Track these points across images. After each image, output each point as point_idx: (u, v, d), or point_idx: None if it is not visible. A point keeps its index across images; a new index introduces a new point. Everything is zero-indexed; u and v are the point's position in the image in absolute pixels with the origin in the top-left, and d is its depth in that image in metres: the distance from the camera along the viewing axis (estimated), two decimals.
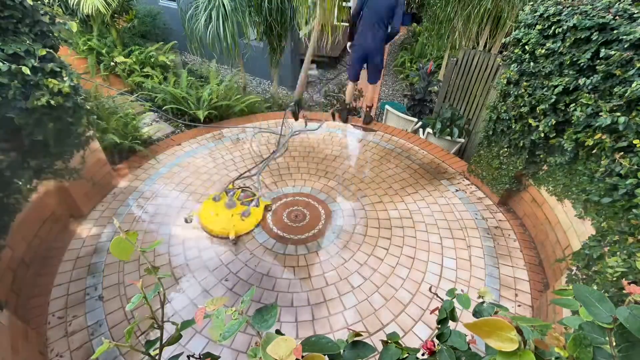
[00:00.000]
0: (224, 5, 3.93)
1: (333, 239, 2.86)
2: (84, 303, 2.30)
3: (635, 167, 1.78)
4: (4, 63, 1.85)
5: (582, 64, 2.17)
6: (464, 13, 4.76)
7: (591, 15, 2.10)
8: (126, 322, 2.19)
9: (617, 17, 2.00)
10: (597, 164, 2.08)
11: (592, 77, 2.10)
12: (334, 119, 4.28)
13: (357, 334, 0.73)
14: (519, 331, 0.49)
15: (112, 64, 5.02)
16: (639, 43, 1.86)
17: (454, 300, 0.84)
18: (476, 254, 2.76)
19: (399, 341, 0.76)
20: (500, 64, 3.67)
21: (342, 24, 4.86)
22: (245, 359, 2.05)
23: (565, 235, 2.45)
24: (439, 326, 0.78)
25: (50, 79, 2.10)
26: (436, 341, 0.73)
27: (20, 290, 2.24)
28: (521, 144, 2.75)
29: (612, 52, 1.96)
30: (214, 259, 2.64)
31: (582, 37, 2.13)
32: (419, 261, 2.68)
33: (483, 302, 0.76)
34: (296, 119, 2.99)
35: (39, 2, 2.10)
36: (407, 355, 0.72)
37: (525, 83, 2.63)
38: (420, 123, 4.66)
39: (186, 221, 2.80)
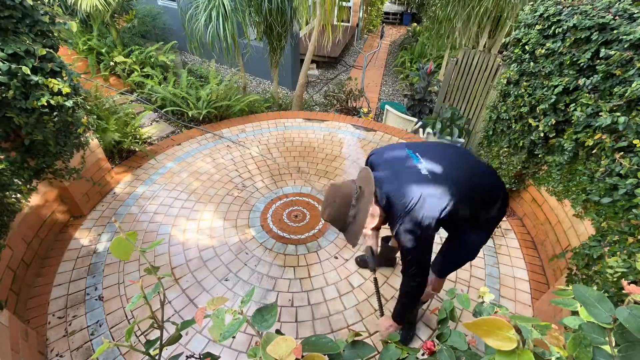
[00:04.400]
0: (224, 5, 3.93)
1: (333, 239, 2.86)
2: (84, 303, 2.30)
3: (635, 167, 1.78)
4: (4, 63, 1.85)
5: (582, 64, 2.17)
6: (464, 13, 4.76)
7: (591, 15, 2.10)
8: (126, 322, 2.19)
9: (617, 17, 2.00)
10: (597, 164, 2.08)
11: (592, 77, 2.10)
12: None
13: (357, 334, 0.73)
14: (518, 330, 0.49)
15: (111, 64, 5.03)
16: (639, 43, 1.86)
17: (454, 300, 0.84)
18: None
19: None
20: (500, 64, 3.67)
21: (342, 23, 4.86)
22: (245, 359, 2.05)
23: (565, 235, 2.45)
24: (439, 326, 0.78)
25: (50, 79, 2.10)
26: (436, 341, 0.73)
27: (20, 290, 2.24)
28: (521, 144, 2.75)
29: (612, 52, 1.96)
30: (214, 259, 2.64)
31: (582, 37, 2.13)
32: None
33: (483, 302, 0.76)
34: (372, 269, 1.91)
35: (39, 2, 2.09)
36: (407, 355, 0.72)
37: (525, 83, 2.63)
38: (420, 123, 4.66)
39: None
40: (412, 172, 1.33)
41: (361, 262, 2.62)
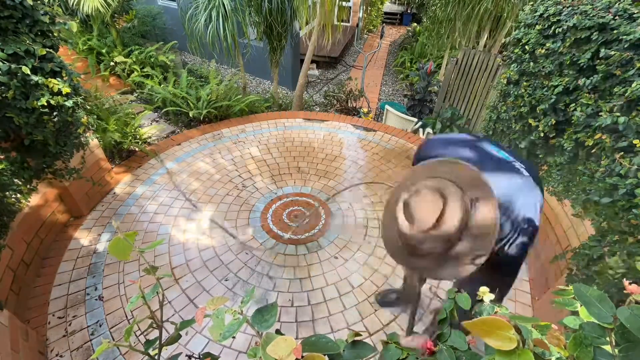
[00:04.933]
0: (224, 5, 3.93)
1: (333, 239, 2.85)
2: (84, 303, 2.30)
3: (635, 167, 1.78)
4: (4, 63, 1.84)
5: (582, 64, 2.17)
6: (464, 13, 4.76)
7: (591, 15, 2.10)
8: (126, 322, 2.19)
9: (617, 17, 2.00)
10: (597, 164, 2.08)
11: (592, 77, 2.10)
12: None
13: (357, 334, 0.73)
14: (518, 330, 0.49)
15: (112, 64, 5.02)
16: (639, 43, 1.86)
17: (454, 300, 0.84)
18: None
19: (399, 341, 0.76)
20: (500, 64, 3.67)
21: (342, 23, 4.86)
22: (245, 359, 2.04)
23: (565, 235, 2.45)
24: (439, 326, 0.78)
25: (50, 79, 2.10)
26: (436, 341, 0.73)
27: (20, 290, 2.24)
28: (521, 144, 2.74)
29: (612, 52, 1.96)
30: (214, 259, 2.64)
31: (582, 37, 2.13)
32: None
33: (483, 302, 0.76)
34: None
35: (39, 2, 2.09)
36: (407, 355, 0.72)
37: (525, 83, 2.63)
38: (420, 123, 4.66)
39: None
40: (507, 166, 1.03)
41: (384, 303, 2.33)
